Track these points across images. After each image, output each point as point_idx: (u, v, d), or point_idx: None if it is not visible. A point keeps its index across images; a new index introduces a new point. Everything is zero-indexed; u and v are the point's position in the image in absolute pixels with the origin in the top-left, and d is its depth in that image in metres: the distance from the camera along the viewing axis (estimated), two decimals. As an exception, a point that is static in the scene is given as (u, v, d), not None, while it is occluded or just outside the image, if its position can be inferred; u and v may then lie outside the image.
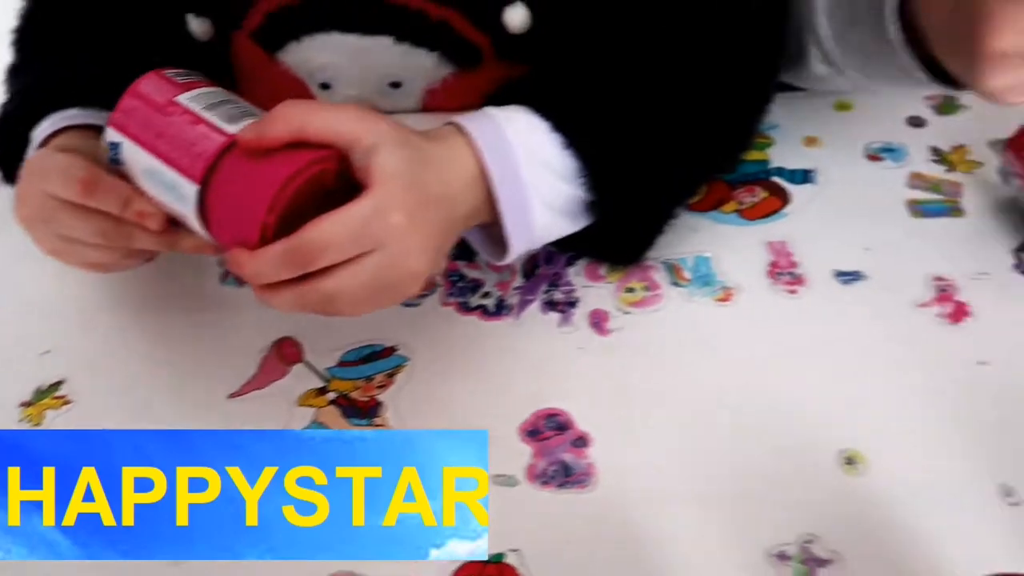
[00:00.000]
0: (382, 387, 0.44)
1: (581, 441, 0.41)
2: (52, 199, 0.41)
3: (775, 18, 0.50)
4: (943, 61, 0.40)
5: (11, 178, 0.48)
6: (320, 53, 0.54)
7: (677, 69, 0.47)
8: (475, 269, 0.49)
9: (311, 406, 0.44)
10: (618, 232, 0.47)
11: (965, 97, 0.57)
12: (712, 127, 0.47)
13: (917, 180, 0.52)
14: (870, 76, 0.48)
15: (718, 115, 0.48)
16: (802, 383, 0.42)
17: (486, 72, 0.54)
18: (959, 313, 0.44)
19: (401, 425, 0.42)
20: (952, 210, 0.50)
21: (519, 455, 0.41)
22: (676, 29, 0.47)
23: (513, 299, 0.48)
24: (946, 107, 0.57)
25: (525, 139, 0.41)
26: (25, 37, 0.57)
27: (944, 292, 0.45)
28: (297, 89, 0.57)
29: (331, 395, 0.44)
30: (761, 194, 0.52)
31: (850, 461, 0.39)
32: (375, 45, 0.53)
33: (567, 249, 0.49)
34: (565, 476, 0.40)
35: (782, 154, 0.55)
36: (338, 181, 0.37)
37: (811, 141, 0.55)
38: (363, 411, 0.43)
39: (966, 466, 0.39)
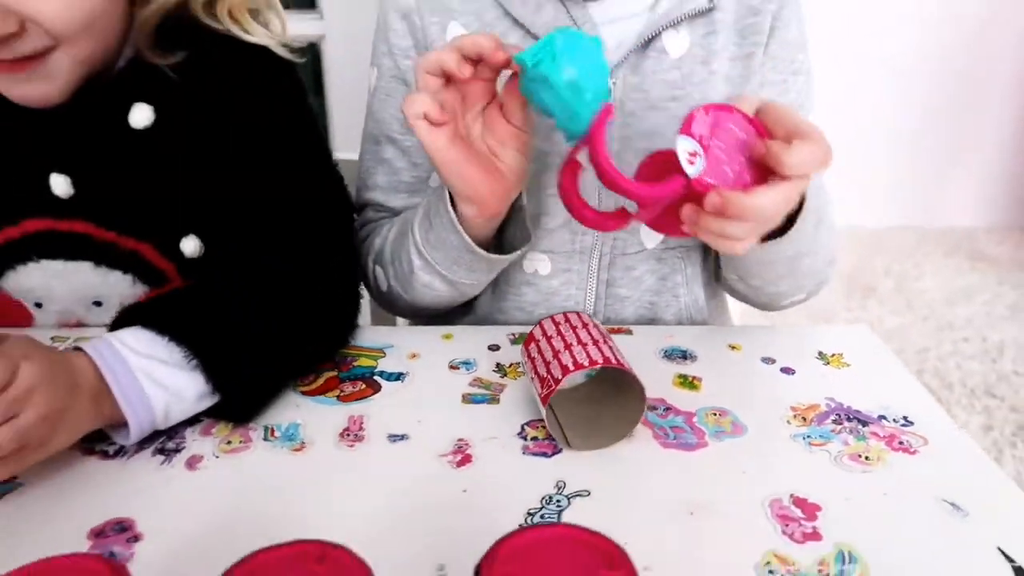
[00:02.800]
0: None
1: (135, 538, 0.52)
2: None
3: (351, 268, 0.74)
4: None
5: None
6: (30, 277, 0.71)
7: (277, 290, 0.67)
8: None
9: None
10: (233, 400, 0.63)
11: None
12: (297, 334, 0.67)
13: (477, 382, 0.71)
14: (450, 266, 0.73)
15: (304, 326, 0.68)
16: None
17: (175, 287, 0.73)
18: (464, 460, 0.60)
19: None
20: (492, 399, 0.68)
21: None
22: (281, 261, 0.69)
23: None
24: (520, 337, 0.78)
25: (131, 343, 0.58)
26: None
27: (459, 447, 0.62)
28: (16, 308, 0.73)
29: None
30: (361, 386, 0.70)
31: None
32: (78, 269, 0.71)
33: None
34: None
35: (389, 363, 0.73)
36: None
37: (413, 356, 0.75)
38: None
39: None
